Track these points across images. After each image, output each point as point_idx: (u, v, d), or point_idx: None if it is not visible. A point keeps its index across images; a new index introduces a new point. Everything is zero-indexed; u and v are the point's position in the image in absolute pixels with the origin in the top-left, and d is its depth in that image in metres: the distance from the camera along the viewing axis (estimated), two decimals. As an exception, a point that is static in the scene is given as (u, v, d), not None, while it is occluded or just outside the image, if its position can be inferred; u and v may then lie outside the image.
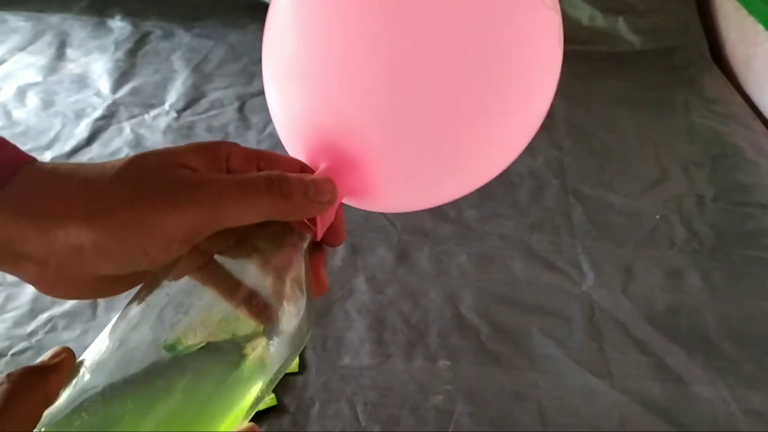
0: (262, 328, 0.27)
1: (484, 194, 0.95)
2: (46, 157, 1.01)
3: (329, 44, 0.29)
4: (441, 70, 0.29)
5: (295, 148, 0.33)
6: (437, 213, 0.92)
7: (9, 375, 0.25)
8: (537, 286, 0.80)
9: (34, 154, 0.29)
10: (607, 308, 0.77)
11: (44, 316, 0.75)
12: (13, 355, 0.71)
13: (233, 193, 0.27)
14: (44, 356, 0.27)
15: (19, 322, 0.74)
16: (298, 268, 0.30)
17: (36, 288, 0.28)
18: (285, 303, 0.28)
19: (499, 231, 0.89)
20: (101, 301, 0.77)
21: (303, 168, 0.31)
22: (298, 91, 0.31)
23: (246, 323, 0.27)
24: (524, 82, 0.32)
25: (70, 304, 0.77)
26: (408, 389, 0.67)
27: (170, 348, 0.26)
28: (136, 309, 0.28)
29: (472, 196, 1.05)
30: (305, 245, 0.31)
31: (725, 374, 0.69)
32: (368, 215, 0.91)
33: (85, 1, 1.47)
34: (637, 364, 0.71)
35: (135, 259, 0.26)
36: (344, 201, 0.33)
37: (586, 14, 1.37)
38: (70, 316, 0.75)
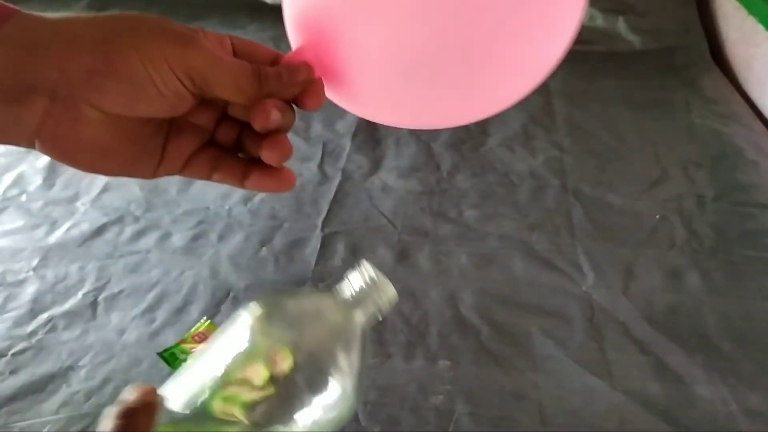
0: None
1: (485, 194, 0.95)
2: (46, 156, 1.01)
3: None
4: None
5: (289, 23, 0.33)
6: (437, 213, 0.92)
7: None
8: (537, 286, 0.80)
9: (35, 154, 0.30)
10: (607, 308, 0.77)
11: (44, 316, 0.75)
12: (13, 355, 0.71)
13: (225, 58, 0.30)
14: (132, 395, 0.28)
15: (19, 322, 0.74)
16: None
17: (39, 144, 0.28)
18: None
19: (499, 231, 0.89)
20: (101, 301, 0.77)
21: (277, 57, 0.33)
22: None
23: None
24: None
25: (70, 304, 0.77)
26: (408, 389, 0.67)
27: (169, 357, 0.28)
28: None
29: (473, 196, 1.05)
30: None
31: (725, 374, 0.69)
32: (368, 215, 0.91)
33: (84, 1, 1.47)
34: (637, 364, 0.71)
35: (141, 84, 0.28)
36: (328, 95, 0.32)
37: (586, 14, 1.37)
38: (70, 316, 0.75)
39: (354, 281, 0.38)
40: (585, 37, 1.35)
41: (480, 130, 1.10)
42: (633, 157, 1.05)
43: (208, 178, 0.33)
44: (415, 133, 1.08)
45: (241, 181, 0.33)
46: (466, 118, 0.34)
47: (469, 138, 1.08)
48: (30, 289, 0.79)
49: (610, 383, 0.68)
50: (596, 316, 0.76)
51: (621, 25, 1.36)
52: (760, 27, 1.20)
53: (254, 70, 0.30)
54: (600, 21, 1.37)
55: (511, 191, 0.96)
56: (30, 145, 0.29)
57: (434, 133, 1.09)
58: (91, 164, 0.30)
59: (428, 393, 0.67)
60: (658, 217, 0.92)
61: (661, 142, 1.08)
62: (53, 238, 0.86)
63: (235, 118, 0.33)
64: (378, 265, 0.92)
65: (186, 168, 0.33)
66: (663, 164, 1.03)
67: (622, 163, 1.03)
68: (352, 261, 0.83)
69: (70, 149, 0.29)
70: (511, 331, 0.74)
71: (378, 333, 0.73)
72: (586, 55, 1.32)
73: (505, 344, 0.72)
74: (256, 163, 0.33)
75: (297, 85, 0.31)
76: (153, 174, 0.32)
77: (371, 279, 0.38)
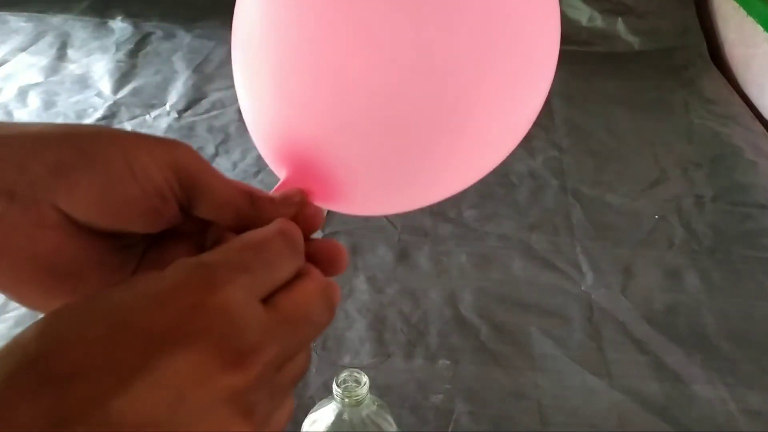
0: None
1: (484, 194, 0.96)
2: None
3: (299, 46, 0.27)
4: (417, 80, 0.26)
5: (263, 148, 0.32)
6: (437, 213, 0.92)
7: None
8: (536, 286, 0.81)
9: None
10: (606, 308, 0.77)
11: (46, 315, 0.75)
12: (14, 354, 0.71)
13: (214, 169, 0.26)
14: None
15: (19, 322, 0.75)
16: None
17: None
18: None
19: (499, 231, 0.89)
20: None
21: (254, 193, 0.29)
22: (266, 94, 0.29)
23: None
24: (513, 85, 0.29)
25: (71, 303, 0.77)
26: (408, 389, 0.67)
27: None
28: None
29: (472, 196, 1.05)
30: None
31: (724, 374, 0.69)
32: (364, 221, 0.91)
33: (86, 2, 1.48)
34: (636, 363, 0.71)
35: (119, 177, 0.23)
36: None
37: (585, 15, 1.38)
38: (72, 315, 0.75)
39: (335, 388, 0.46)
40: (584, 37, 1.36)
41: (480, 130, 1.11)
42: (632, 157, 1.06)
43: None
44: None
45: None
46: (452, 190, 0.33)
47: (469, 138, 1.08)
48: (31, 289, 0.79)
49: (609, 382, 0.68)
50: (595, 316, 0.76)
51: (620, 26, 1.36)
52: (759, 28, 1.20)
53: (246, 187, 0.27)
54: (599, 22, 1.37)
55: (511, 191, 0.97)
56: None
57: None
58: (46, 293, 0.24)
59: (428, 392, 0.67)
60: (657, 217, 0.92)
61: (660, 143, 1.08)
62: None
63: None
64: (378, 265, 0.92)
65: None
66: (662, 164, 1.03)
67: (621, 164, 1.04)
68: (352, 261, 0.83)
69: (25, 270, 0.23)
70: (510, 331, 0.74)
71: (378, 333, 0.73)
72: (585, 55, 1.32)
73: (504, 344, 0.73)
74: None
75: (292, 206, 0.27)
76: None
77: (344, 382, 0.47)
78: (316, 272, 0.25)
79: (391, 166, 0.29)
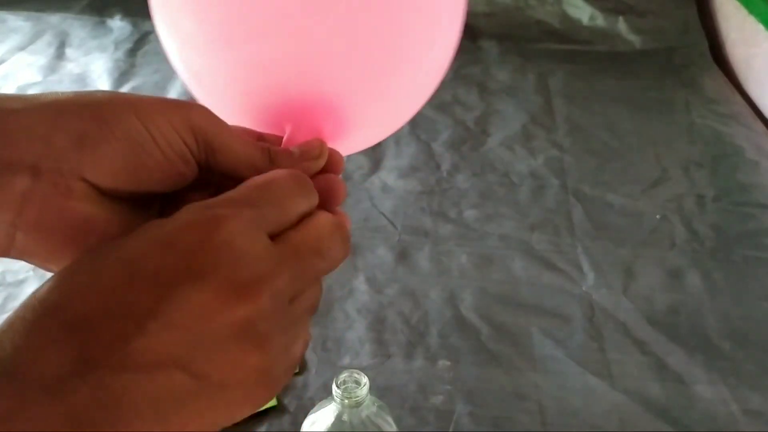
0: None
1: (485, 194, 0.95)
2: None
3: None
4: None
5: (248, 118, 0.31)
6: (437, 213, 0.92)
7: None
8: (537, 286, 0.80)
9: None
10: (607, 308, 0.77)
11: (44, 316, 0.75)
12: (12, 355, 0.71)
13: (231, 125, 0.27)
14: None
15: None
16: None
17: (18, 238, 0.23)
18: None
19: (499, 231, 0.89)
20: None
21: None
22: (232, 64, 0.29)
23: None
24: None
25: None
26: (408, 389, 0.67)
27: None
28: None
29: (473, 195, 1.05)
30: None
31: (725, 374, 0.69)
32: (368, 215, 0.91)
33: (84, 1, 1.47)
34: (638, 364, 0.71)
35: (142, 145, 0.24)
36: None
37: (586, 14, 1.37)
38: (70, 316, 0.75)
39: (335, 389, 0.47)
40: (585, 37, 1.36)
41: (480, 129, 1.10)
42: (633, 157, 1.05)
43: None
44: (415, 133, 1.08)
45: None
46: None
47: (469, 138, 1.08)
48: (30, 289, 0.79)
49: (611, 383, 0.68)
50: (596, 316, 0.76)
51: (621, 25, 1.36)
52: (761, 27, 1.20)
53: (264, 144, 0.27)
54: (600, 21, 1.36)
55: (511, 191, 0.96)
56: (4, 244, 0.23)
57: (434, 133, 1.09)
58: (79, 242, 0.25)
59: (428, 393, 0.67)
60: (658, 217, 0.92)
61: (661, 142, 1.08)
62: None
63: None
64: (378, 265, 0.92)
65: None
66: (663, 164, 1.03)
67: (622, 163, 1.03)
68: (352, 261, 0.83)
69: (57, 240, 0.24)
70: (511, 331, 0.74)
71: (378, 333, 0.73)
72: (586, 54, 1.32)
73: (505, 344, 0.72)
74: None
75: (312, 158, 0.28)
76: None
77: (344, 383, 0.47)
78: (325, 212, 0.25)
79: (374, 81, 0.30)
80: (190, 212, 0.22)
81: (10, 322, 0.20)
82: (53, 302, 0.20)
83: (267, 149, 0.27)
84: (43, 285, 0.20)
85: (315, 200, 0.25)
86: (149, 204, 0.27)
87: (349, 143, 0.32)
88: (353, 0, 0.27)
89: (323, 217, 0.24)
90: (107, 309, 0.19)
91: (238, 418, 0.21)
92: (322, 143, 0.28)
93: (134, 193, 0.25)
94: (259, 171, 0.26)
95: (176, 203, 0.27)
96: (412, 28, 0.30)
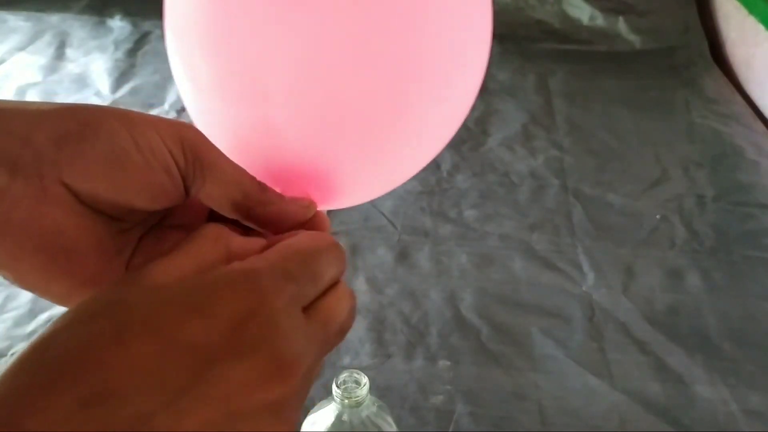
0: None
1: (485, 194, 0.95)
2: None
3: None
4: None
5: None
6: (437, 213, 0.92)
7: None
8: (537, 286, 0.80)
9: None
10: (607, 308, 0.77)
11: (44, 316, 0.75)
12: (13, 355, 0.71)
13: (223, 154, 0.25)
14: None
15: (19, 322, 0.74)
16: None
17: None
18: None
19: (499, 231, 0.89)
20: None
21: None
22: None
23: None
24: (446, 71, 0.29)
25: (69, 304, 0.77)
26: (408, 389, 0.67)
27: None
28: None
29: (473, 195, 1.04)
30: None
31: (725, 374, 0.69)
32: (368, 215, 0.91)
33: (84, 1, 1.47)
34: (638, 364, 0.71)
35: (124, 149, 0.23)
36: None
37: (586, 14, 1.37)
38: (70, 316, 0.75)
39: (335, 389, 0.47)
40: (585, 37, 1.36)
41: (480, 129, 1.10)
42: (633, 157, 1.05)
43: None
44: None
45: None
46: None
47: (469, 138, 1.08)
48: (30, 289, 0.79)
49: (611, 383, 0.68)
50: (596, 316, 0.76)
51: (621, 25, 1.36)
52: (761, 27, 1.20)
53: (253, 177, 0.26)
54: (600, 21, 1.36)
55: (511, 191, 0.96)
56: None
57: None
58: (44, 272, 0.23)
59: (428, 393, 0.67)
60: (658, 217, 0.92)
61: (661, 142, 1.08)
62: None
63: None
64: (378, 265, 0.92)
65: None
66: (663, 164, 1.03)
67: (622, 163, 1.03)
68: (352, 261, 0.83)
69: (25, 246, 0.22)
70: (511, 331, 0.74)
71: (378, 333, 0.73)
72: (586, 55, 1.32)
73: (505, 344, 0.72)
74: None
75: (302, 208, 0.27)
76: None
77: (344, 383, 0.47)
78: (344, 284, 0.25)
79: (368, 148, 0.29)
80: (230, 277, 0.20)
81: (16, 381, 0.18)
82: (72, 371, 0.17)
83: (257, 180, 0.26)
84: (57, 336, 0.18)
85: (344, 269, 0.25)
86: (128, 230, 0.26)
87: (342, 203, 0.32)
88: (359, 64, 0.26)
89: (342, 291, 0.24)
90: (135, 385, 0.18)
91: None
92: (311, 202, 0.28)
93: (114, 205, 0.24)
94: (248, 196, 0.25)
95: (156, 237, 0.26)
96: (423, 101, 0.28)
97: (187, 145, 0.24)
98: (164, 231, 0.27)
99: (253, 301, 0.20)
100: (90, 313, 0.19)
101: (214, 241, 0.23)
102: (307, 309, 0.22)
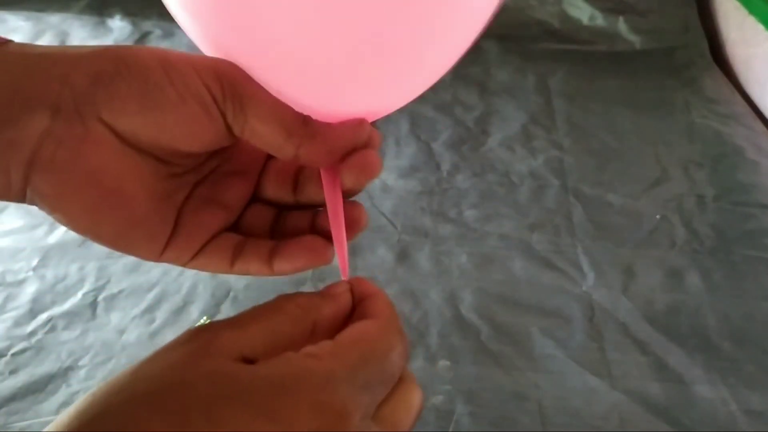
0: None
1: (485, 194, 0.95)
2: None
3: None
4: None
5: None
6: (437, 213, 0.91)
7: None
8: (537, 286, 0.80)
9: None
10: (607, 308, 0.77)
11: (44, 316, 0.75)
12: (13, 355, 0.71)
13: (263, 87, 0.24)
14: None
15: (19, 322, 0.74)
16: None
17: (33, 179, 0.22)
18: None
19: (499, 231, 0.89)
20: (101, 301, 0.77)
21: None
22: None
23: None
24: None
25: (69, 304, 0.76)
26: (408, 389, 0.67)
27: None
28: None
29: (473, 195, 1.05)
30: None
31: (725, 374, 0.69)
32: (368, 215, 0.90)
33: (84, 1, 1.47)
34: (638, 364, 0.70)
35: (158, 84, 0.22)
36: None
37: (586, 14, 1.37)
38: (70, 316, 0.75)
39: None
40: (585, 37, 1.35)
41: (480, 129, 1.10)
42: (633, 157, 1.05)
43: (227, 269, 0.26)
44: (415, 133, 1.08)
45: (268, 266, 0.26)
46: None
47: (469, 138, 1.08)
48: (30, 289, 0.79)
49: (611, 383, 0.68)
50: (596, 316, 0.76)
51: (621, 25, 1.36)
52: (761, 27, 1.20)
53: (295, 111, 0.24)
54: (600, 21, 1.36)
55: (511, 191, 0.96)
56: (20, 185, 0.22)
57: (434, 133, 1.09)
58: (93, 212, 0.23)
59: (428, 393, 0.67)
60: (658, 217, 0.92)
61: (661, 142, 1.08)
62: (53, 238, 0.86)
63: (268, 201, 0.28)
64: (378, 265, 0.92)
65: (201, 253, 0.26)
66: (663, 164, 1.03)
67: (622, 163, 1.03)
68: (352, 261, 0.82)
69: (71, 185, 0.22)
70: (511, 331, 0.74)
71: (378, 333, 0.73)
72: (586, 55, 1.32)
73: (505, 344, 0.72)
74: (287, 241, 0.27)
75: (354, 134, 0.25)
76: (160, 252, 0.25)
77: None
78: (412, 382, 0.24)
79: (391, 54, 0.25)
80: (302, 373, 0.19)
81: None
82: None
83: (301, 114, 0.24)
84: (103, 415, 0.18)
85: (408, 360, 0.24)
86: (179, 174, 0.25)
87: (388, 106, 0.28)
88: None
89: (415, 393, 0.24)
90: None
91: None
92: (361, 120, 0.26)
93: (156, 146, 0.23)
94: (291, 132, 0.24)
95: (211, 185, 0.26)
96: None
97: (225, 79, 0.23)
98: (220, 178, 0.27)
99: (331, 417, 0.19)
100: (148, 392, 0.18)
101: (293, 317, 0.22)
102: (375, 414, 0.22)
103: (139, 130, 0.23)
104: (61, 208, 0.23)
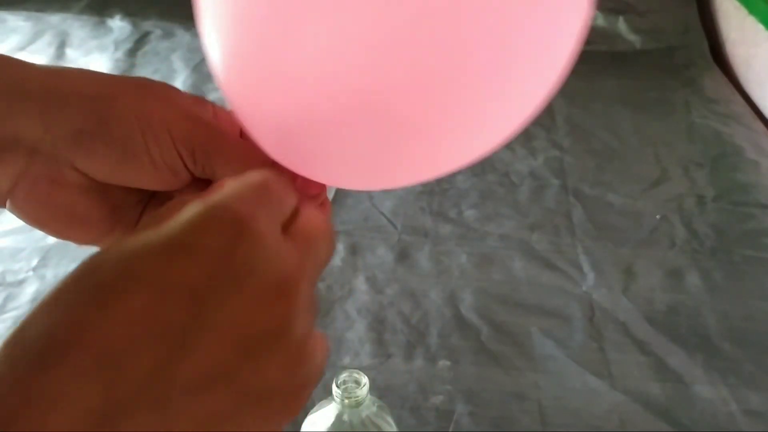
0: None
1: (485, 194, 0.95)
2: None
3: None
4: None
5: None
6: (437, 213, 0.91)
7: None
8: (537, 286, 0.80)
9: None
10: (607, 308, 0.77)
11: (44, 316, 0.75)
12: (12, 355, 0.71)
13: (236, 140, 0.27)
14: None
15: (19, 322, 0.74)
16: None
17: (9, 204, 0.25)
18: None
19: (499, 231, 0.89)
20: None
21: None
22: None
23: None
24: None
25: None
26: (408, 389, 0.67)
27: None
28: None
29: (473, 195, 1.04)
30: None
31: (725, 374, 0.69)
32: (368, 215, 0.91)
33: (84, 1, 1.47)
34: (638, 364, 0.70)
35: (134, 152, 0.25)
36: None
37: (586, 14, 1.37)
38: (70, 316, 0.75)
39: (335, 389, 0.47)
40: (585, 37, 1.35)
41: (480, 130, 1.10)
42: (633, 157, 1.05)
43: None
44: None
45: None
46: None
47: (469, 138, 1.08)
48: (30, 289, 0.79)
49: (611, 383, 0.68)
50: (596, 316, 0.76)
51: (621, 25, 1.36)
52: (761, 27, 1.20)
53: (267, 161, 0.26)
54: (600, 21, 1.36)
55: (511, 191, 0.96)
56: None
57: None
58: (62, 231, 0.27)
59: (428, 393, 0.67)
60: (658, 217, 0.92)
61: (661, 142, 1.08)
62: (53, 239, 0.86)
63: None
64: (378, 265, 0.92)
65: None
66: (663, 164, 1.03)
67: (622, 163, 1.03)
68: (352, 261, 0.83)
69: (43, 214, 0.26)
70: (511, 331, 0.74)
71: (378, 333, 0.73)
72: (586, 54, 1.29)
73: (505, 344, 0.72)
74: None
75: (318, 194, 0.27)
76: None
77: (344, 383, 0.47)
78: (309, 206, 0.25)
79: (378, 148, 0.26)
80: (202, 213, 0.19)
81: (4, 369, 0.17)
82: (63, 341, 0.17)
83: (269, 159, 0.26)
84: (53, 306, 0.18)
85: (298, 197, 0.24)
86: (141, 194, 0.28)
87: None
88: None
89: (311, 211, 0.24)
90: (137, 337, 0.17)
91: (278, 428, 0.20)
92: (323, 186, 0.28)
93: (124, 188, 0.26)
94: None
95: (162, 199, 0.28)
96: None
97: (199, 149, 0.26)
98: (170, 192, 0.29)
99: (234, 229, 0.19)
100: (65, 290, 0.18)
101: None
102: (285, 231, 0.22)
103: (109, 178, 0.26)
104: (39, 227, 0.27)
